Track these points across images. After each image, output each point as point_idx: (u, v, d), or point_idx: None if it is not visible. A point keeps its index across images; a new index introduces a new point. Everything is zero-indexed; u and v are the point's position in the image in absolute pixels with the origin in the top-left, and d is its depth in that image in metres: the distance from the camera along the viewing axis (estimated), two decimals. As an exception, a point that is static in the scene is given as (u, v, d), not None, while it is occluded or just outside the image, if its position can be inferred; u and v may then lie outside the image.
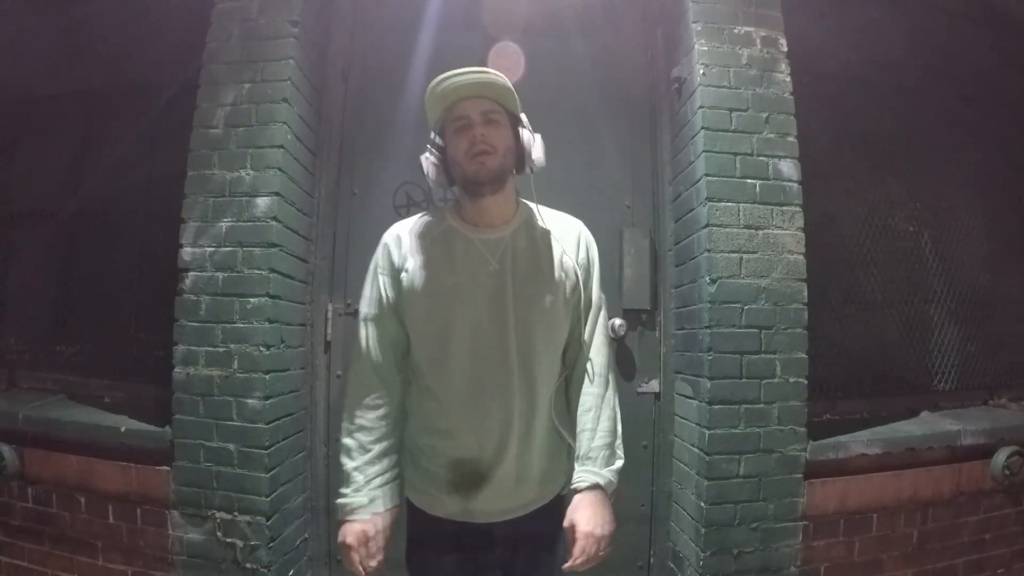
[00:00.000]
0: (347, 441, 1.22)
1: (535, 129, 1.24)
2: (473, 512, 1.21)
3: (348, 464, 1.21)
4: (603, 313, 1.29)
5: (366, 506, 1.18)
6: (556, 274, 1.22)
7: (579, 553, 1.14)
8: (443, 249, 1.22)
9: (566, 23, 2.26)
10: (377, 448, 1.21)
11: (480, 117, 1.17)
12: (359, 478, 1.20)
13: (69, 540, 1.97)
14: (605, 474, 1.20)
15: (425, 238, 1.23)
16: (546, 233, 1.25)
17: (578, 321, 1.26)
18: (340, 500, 1.20)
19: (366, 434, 1.21)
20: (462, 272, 1.19)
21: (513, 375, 1.18)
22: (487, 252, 1.21)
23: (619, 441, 1.25)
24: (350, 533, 1.17)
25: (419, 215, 1.30)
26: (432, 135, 1.25)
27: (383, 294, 1.24)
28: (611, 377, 1.27)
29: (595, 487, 1.18)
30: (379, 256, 1.27)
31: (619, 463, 1.24)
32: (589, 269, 1.27)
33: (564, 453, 1.28)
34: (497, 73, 1.16)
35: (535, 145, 1.22)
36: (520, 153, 1.21)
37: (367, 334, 1.25)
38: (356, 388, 1.24)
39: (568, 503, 1.20)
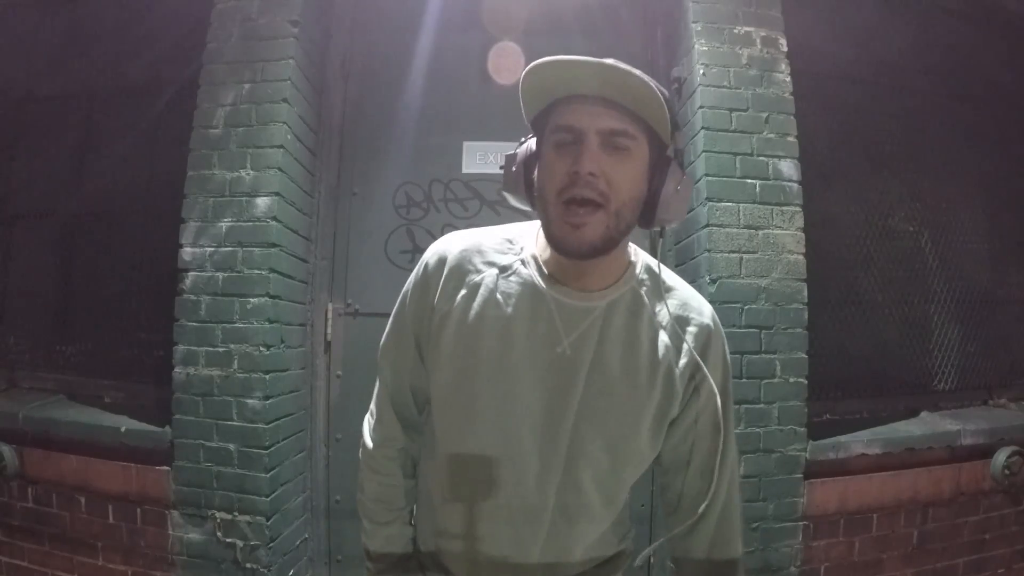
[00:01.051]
0: (369, 505, 0.96)
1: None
2: None
3: (372, 532, 0.96)
4: (734, 453, 0.89)
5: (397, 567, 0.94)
6: (657, 380, 0.82)
7: None
8: (504, 297, 0.83)
9: (566, 23, 2.26)
10: (401, 510, 0.96)
11: (598, 138, 0.73)
12: (390, 551, 0.95)
13: (69, 540, 1.97)
14: None
15: (486, 271, 0.84)
16: (659, 316, 0.84)
17: (681, 439, 0.87)
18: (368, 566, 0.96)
19: (384, 503, 0.95)
20: (518, 341, 0.81)
21: (547, 498, 0.83)
22: (562, 325, 0.81)
23: None
24: None
25: (498, 231, 0.89)
26: (528, 139, 0.83)
27: (405, 314, 0.90)
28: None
29: None
30: (416, 275, 0.89)
31: None
32: (704, 382, 0.83)
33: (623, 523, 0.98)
34: (645, 76, 0.72)
35: (679, 192, 0.77)
36: (652, 203, 0.77)
37: (383, 371, 0.94)
38: (377, 441, 0.95)
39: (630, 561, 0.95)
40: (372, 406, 0.97)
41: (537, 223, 0.85)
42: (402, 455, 0.95)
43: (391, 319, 0.93)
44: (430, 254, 0.88)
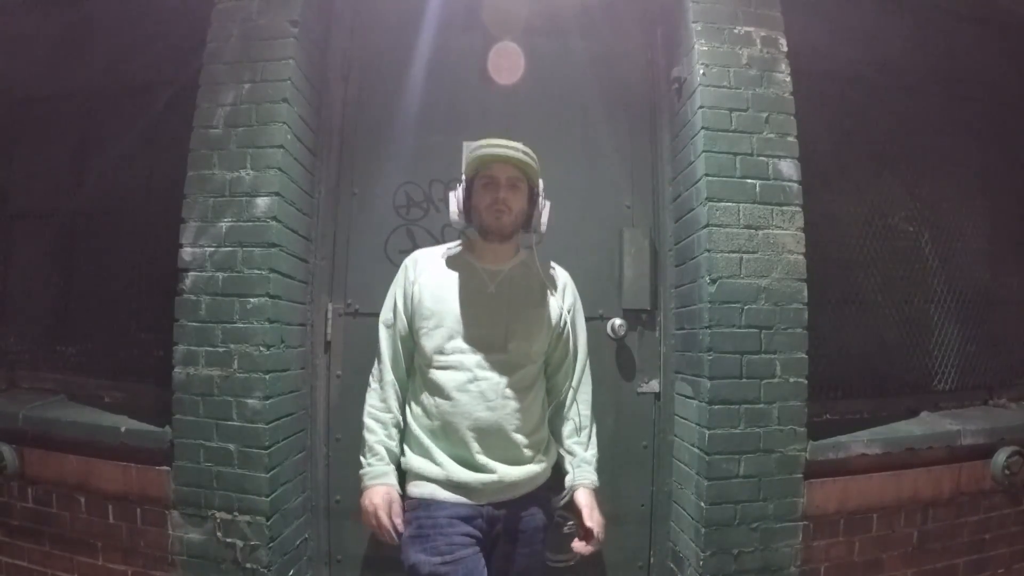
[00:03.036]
0: (370, 421, 1.56)
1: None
2: (471, 484, 1.47)
3: (371, 438, 1.54)
4: (586, 349, 1.69)
5: (388, 473, 1.51)
6: (543, 303, 1.60)
7: (594, 536, 1.53)
8: (451, 271, 1.58)
9: (566, 23, 2.26)
10: (394, 429, 1.56)
11: (506, 181, 1.50)
12: (380, 449, 1.52)
13: (69, 540, 1.97)
14: (594, 478, 1.62)
15: (438, 260, 1.60)
16: (537, 273, 1.62)
17: (558, 342, 1.63)
18: (365, 469, 1.52)
19: (386, 414, 1.56)
20: (464, 289, 1.54)
21: (507, 356, 1.52)
22: (487, 279, 1.57)
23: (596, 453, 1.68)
24: (376, 495, 1.47)
25: (440, 247, 1.67)
26: (462, 181, 1.57)
27: (396, 303, 1.60)
28: (590, 402, 1.68)
29: (591, 485, 1.60)
30: (399, 272, 1.63)
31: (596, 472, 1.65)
32: (575, 312, 1.67)
33: (546, 436, 1.62)
34: (528, 151, 1.49)
35: (543, 213, 1.58)
36: (530, 216, 1.57)
37: (384, 336, 1.61)
38: (379, 378, 1.60)
39: (554, 497, 1.61)
40: (375, 367, 1.63)
41: (459, 242, 1.67)
42: (396, 396, 1.58)
43: (388, 303, 1.64)
44: (407, 260, 1.64)
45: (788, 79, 1.97)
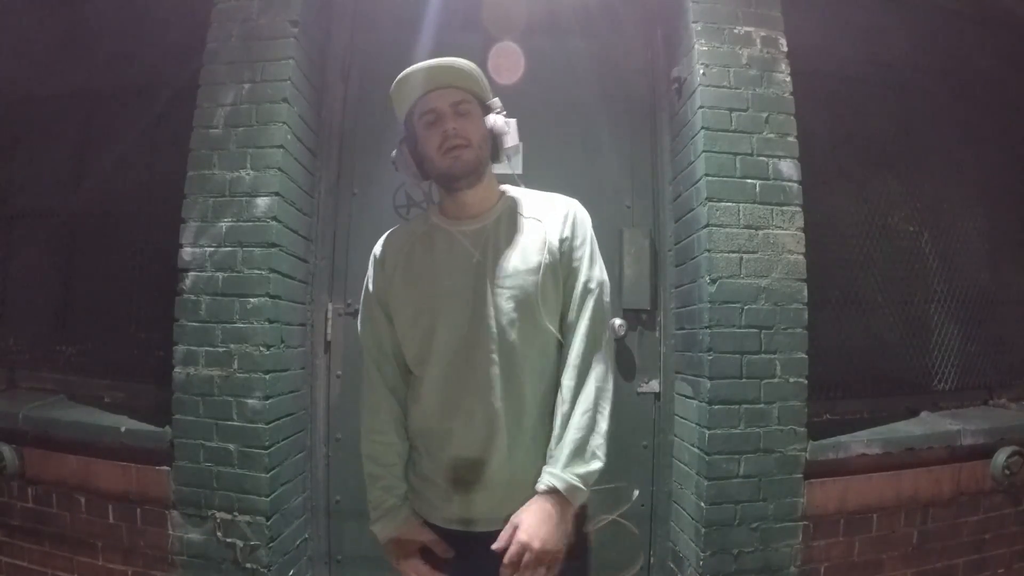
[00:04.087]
0: (368, 462, 1.22)
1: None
2: (470, 519, 1.14)
3: (372, 484, 1.21)
4: (598, 294, 1.16)
5: (396, 509, 1.18)
6: (539, 259, 1.13)
7: (508, 562, 1.02)
8: (426, 247, 1.19)
9: (566, 23, 2.26)
10: (399, 462, 1.21)
11: (450, 109, 1.12)
12: (382, 492, 1.20)
13: (69, 540, 1.97)
14: (565, 477, 1.05)
15: (408, 238, 1.22)
16: (531, 214, 1.19)
17: (570, 299, 1.16)
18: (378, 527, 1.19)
19: (385, 447, 1.21)
20: (444, 268, 1.16)
21: (496, 372, 1.11)
22: (469, 244, 1.16)
23: (599, 440, 1.09)
24: (402, 562, 1.17)
25: (409, 221, 1.30)
26: (402, 132, 1.21)
27: (371, 296, 1.24)
28: (601, 366, 1.13)
29: (551, 491, 1.05)
30: (370, 261, 1.26)
31: (592, 465, 1.07)
32: (575, 245, 1.16)
33: None
34: (461, 60, 1.12)
35: (509, 131, 1.17)
36: (496, 141, 1.17)
37: (363, 339, 1.25)
38: (367, 396, 1.23)
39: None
40: (363, 385, 1.25)
41: (432, 206, 1.27)
42: (393, 419, 1.21)
43: (361, 306, 1.27)
44: (375, 249, 1.26)
45: (788, 79, 1.97)
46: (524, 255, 1.14)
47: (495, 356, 1.11)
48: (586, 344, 1.13)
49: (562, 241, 1.15)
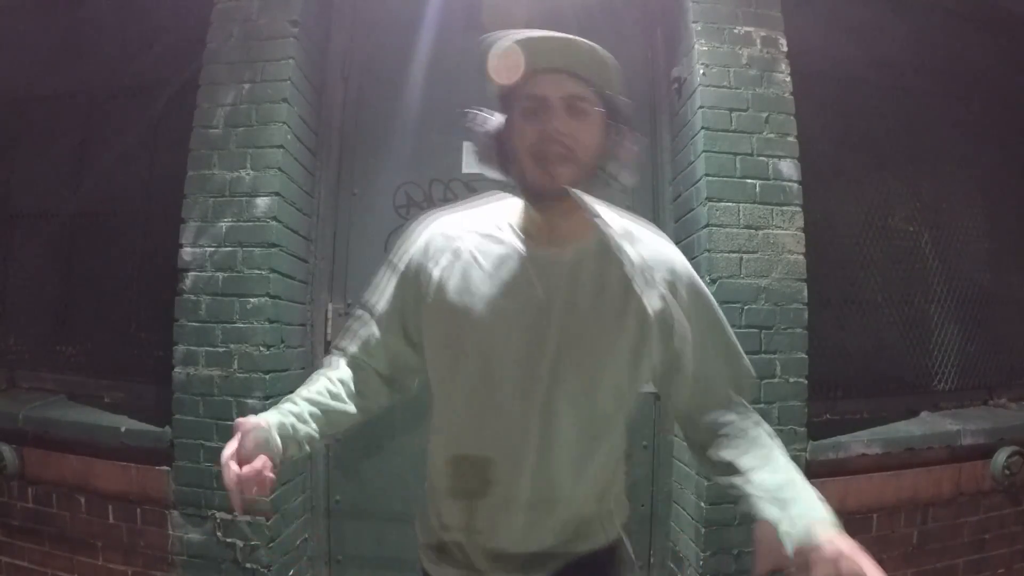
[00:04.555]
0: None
1: None
2: None
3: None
4: (734, 364, 0.98)
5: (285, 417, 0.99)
6: (627, 322, 0.89)
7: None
8: (486, 260, 0.91)
9: (566, 23, 2.26)
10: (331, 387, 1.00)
11: (561, 103, 0.83)
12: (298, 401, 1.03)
13: (69, 540, 1.97)
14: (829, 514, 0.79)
15: (467, 240, 0.94)
16: (626, 260, 0.90)
17: (676, 374, 0.94)
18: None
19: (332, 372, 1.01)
20: (498, 295, 0.89)
21: (531, 438, 0.88)
22: (536, 276, 0.89)
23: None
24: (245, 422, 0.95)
25: (482, 202, 0.99)
26: (493, 106, 0.92)
27: (393, 292, 0.99)
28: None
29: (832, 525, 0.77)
30: (409, 244, 1.00)
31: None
32: (675, 316, 0.90)
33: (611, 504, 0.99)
34: (592, 44, 0.84)
35: (632, 151, 0.89)
36: (611, 160, 0.87)
37: (362, 323, 1.02)
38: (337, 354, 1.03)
39: (618, 553, 0.97)
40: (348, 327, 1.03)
41: (508, 199, 0.96)
42: (352, 361, 1.01)
43: (386, 277, 1.01)
44: (419, 228, 1.00)
45: (788, 79, 1.97)
46: (603, 315, 0.89)
47: (533, 423, 0.88)
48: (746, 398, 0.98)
49: (657, 308, 0.89)
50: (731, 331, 0.97)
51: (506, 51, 0.85)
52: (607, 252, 0.90)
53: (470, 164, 2.18)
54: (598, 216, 0.87)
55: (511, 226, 0.93)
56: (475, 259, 0.92)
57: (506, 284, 0.90)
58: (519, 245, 0.91)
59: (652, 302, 0.89)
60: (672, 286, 0.91)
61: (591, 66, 0.84)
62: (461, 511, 0.93)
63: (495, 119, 0.91)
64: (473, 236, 0.94)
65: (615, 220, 0.92)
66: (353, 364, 1.02)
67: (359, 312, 1.03)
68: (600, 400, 0.90)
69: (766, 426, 0.97)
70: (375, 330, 1.00)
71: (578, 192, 0.85)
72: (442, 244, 0.95)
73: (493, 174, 0.91)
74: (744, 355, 0.98)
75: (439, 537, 0.98)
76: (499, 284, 0.90)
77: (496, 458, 0.90)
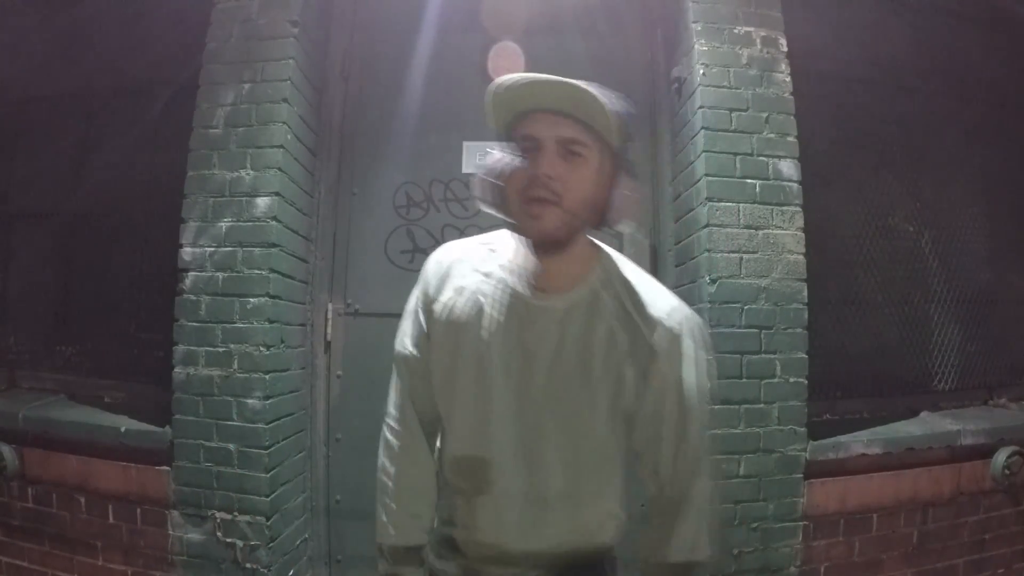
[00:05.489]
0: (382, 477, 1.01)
1: None
2: None
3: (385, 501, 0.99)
4: (699, 434, 0.93)
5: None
6: (610, 384, 0.89)
7: None
8: (483, 298, 0.92)
9: (566, 23, 2.26)
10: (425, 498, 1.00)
11: (555, 145, 0.82)
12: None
13: (69, 540, 1.97)
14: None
15: (470, 277, 0.94)
16: (619, 315, 0.89)
17: (650, 428, 0.91)
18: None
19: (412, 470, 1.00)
20: (491, 336, 0.90)
21: (518, 487, 0.92)
22: (527, 322, 0.90)
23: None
24: None
25: (484, 240, 0.99)
26: (495, 153, 0.90)
27: (418, 330, 0.98)
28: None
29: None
30: (418, 285, 1.00)
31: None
32: (675, 381, 0.88)
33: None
34: (595, 88, 0.82)
35: (631, 200, 0.87)
36: (602, 207, 0.85)
37: (398, 377, 1.01)
38: (396, 431, 1.00)
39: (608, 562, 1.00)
40: (389, 405, 1.02)
41: (514, 239, 0.94)
42: (422, 446, 0.99)
43: (406, 316, 1.01)
44: (430, 262, 0.99)
45: (788, 79, 1.97)
46: (588, 371, 0.89)
47: (515, 462, 0.91)
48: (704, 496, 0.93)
49: (659, 373, 0.88)
50: (700, 420, 0.92)
51: (506, 90, 0.85)
52: (598, 307, 0.90)
53: (470, 164, 2.18)
54: (600, 266, 0.91)
55: (511, 269, 0.93)
56: (474, 299, 0.93)
57: (499, 325, 0.91)
58: (515, 288, 0.92)
59: (636, 362, 0.88)
60: (665, 346, 0.88)
61: (590, 110, 0.82)
62: (461, 510, 0.97)
63: (498, 158, 0.88)
64: (476, 276, 0.94)
65: (619, 272, 0.93)
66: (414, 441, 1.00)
67: (398, 359, 1.01)
68: (578, 447, 0.92)
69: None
70: (418, 379, 0.99)
71: (592, 239, 0.91)
72: (446, 279, 0.96)
73: (491, 210, 0.90)
74: (700, 456, 0.94)
75: (443, 533, 1.01)
76: (493, 324, 0.91)
77: (492, 471, 0.92)
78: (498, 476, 0.92)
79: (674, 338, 0.88)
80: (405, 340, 1.00)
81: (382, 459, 1.00)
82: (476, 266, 0.95)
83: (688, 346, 0.89)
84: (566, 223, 0.83)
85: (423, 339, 0.97)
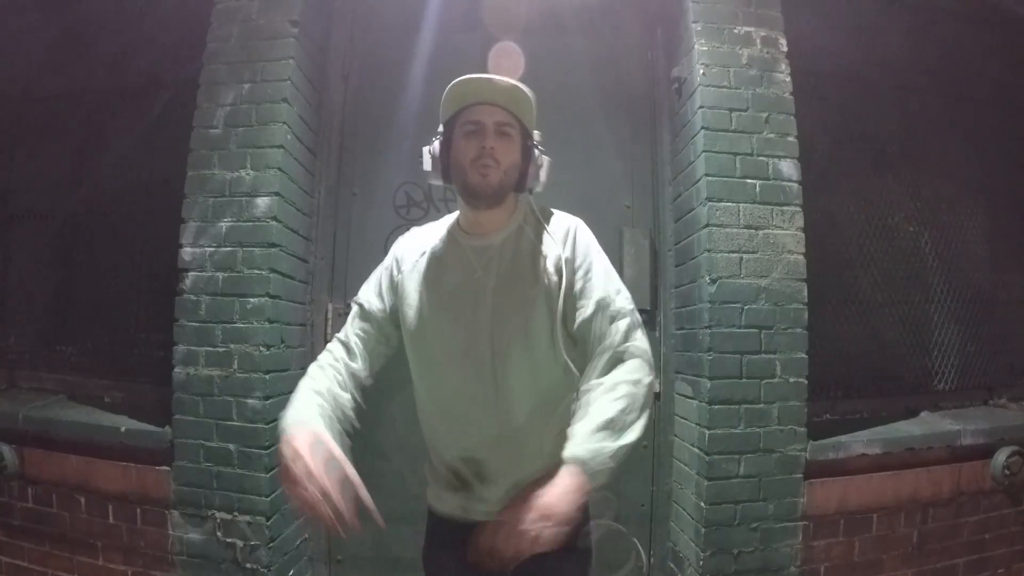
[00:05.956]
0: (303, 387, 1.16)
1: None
2: (473, 512, 1.17)
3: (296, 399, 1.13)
4: (613, 302, 1.14)
5: (312, 420, 1.07)
6: (539, 278, 1.15)
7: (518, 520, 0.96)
8: (438, 255, 1.23)
9: (566, 23, 2.26)
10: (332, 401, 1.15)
11: (493, 127, 1.14)
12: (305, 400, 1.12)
13: (69, 540, 1.97)
14: (580, 451, 1.01)
15: (426, 243, 1.26)
16: (536, 236, 1.20)
17: (576, 320, 1.14)
18: (283, 421, 1.08)
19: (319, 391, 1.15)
20: (450, 279, 1.19)
21: (489, 386, 1.14)
22: (474, 259, 1.19)
23: (628, 418, 1.07)
24: (295, 437, 1.01)
25: (436, 223, 1.31)
26: (439, 129, 1.21)
27: (379, 286, 1.27)
28: (635, 363, 1.10)
29: (571, 461, 1.00)
30: (388, 255, 1.30)
31: (616, 443, 1.04)
32: (577, 262, 1.17)
33: None
34: (521, 86, 1.14)
35: (542, 168, 1.20)
36: (524, 172, 1.18)
37: (349, 320, 1.27)
38: (326, 358, 1.22)
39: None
40: (333, 338, 1.26)
41: (454, 214, 1.28)
42: (344, 367, 1.21)
43: (372, 274, 1.30)
44: (396, 245, 1.31)
45: (788, 79, 1.97)
46: (522, 275, 1.16)
47: (488, 371, 1.14)
48: (614, 349, 1.10)
49: (565, 259, 1.16)
50: (605, 267, 1.19)
51: (456, 87, 1.16)
52: (524, 232, 1.21)
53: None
54: (520, 210, 1.23)
55: (456, 226, 1.25)
56: (430, 255, 1.23)
57: (455, 268, 1.20)
58: (460, 239, 1.22)
59: (559, 256, 1.16)
60: (564, 239, 1.18)
61: (515, 102, 1.15)
62: (451, 445, 1.20)
63: (439, 141, 1.20)
64: (431, 239, 1.26)
65: (533, 210, 1.24)
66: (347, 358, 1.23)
67: (355, 304, 1.28)
68: (528, 338, 1.14)
69: (622, 369, 1.11)
70: (369, 322, 1.25)
71: (524, 195, 1.22)
72: (409, 248, 1.27)
73: (438, 181, 1.22)
74: (619, 287, 1.18)
75: (439, 472, 1.23)
76: (447, 269, 1.20)
77: (465, 401, 1.16)
78: (468, 403, 1.15)
79: (569, 230, 1.20)
80: (367, 291, 1.28)
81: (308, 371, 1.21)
82: (430, 236, 1.27)
83: (583, 232, 1.21)
84: (501, 181, 1.15)
85: (385, 293, 1.25)
